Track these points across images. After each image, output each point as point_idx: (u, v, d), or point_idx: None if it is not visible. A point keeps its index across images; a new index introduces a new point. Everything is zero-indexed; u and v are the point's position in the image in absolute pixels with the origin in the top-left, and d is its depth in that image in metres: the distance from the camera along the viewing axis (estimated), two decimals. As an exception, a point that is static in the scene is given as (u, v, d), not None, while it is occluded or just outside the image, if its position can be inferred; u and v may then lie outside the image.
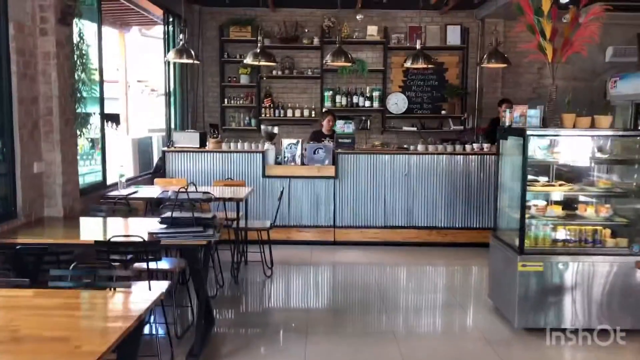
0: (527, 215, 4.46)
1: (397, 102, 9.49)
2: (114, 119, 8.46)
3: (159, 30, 9.73)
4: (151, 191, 5.90)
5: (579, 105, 9.71)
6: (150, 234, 3.73)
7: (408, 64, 7.38)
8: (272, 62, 7.36)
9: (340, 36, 7.41)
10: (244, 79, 9.44)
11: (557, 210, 4.60)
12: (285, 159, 7.28)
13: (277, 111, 9.41)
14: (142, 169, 7.54)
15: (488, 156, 7.16)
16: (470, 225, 7.24)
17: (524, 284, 4.37)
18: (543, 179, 4.91)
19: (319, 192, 7.27)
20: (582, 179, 4.84)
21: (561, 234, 4.55)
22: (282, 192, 6.01)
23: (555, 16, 4.79)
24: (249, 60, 7.32)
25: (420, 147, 7.26)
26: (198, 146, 7.22)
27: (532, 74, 9.56)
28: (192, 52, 7.14)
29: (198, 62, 7.35)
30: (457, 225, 7.25)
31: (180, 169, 7.21)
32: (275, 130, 7.47)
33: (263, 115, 9.44)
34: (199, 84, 9.51)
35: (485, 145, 7.22)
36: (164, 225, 3.88)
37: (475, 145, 7.21)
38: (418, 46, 7.38)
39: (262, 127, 7.52)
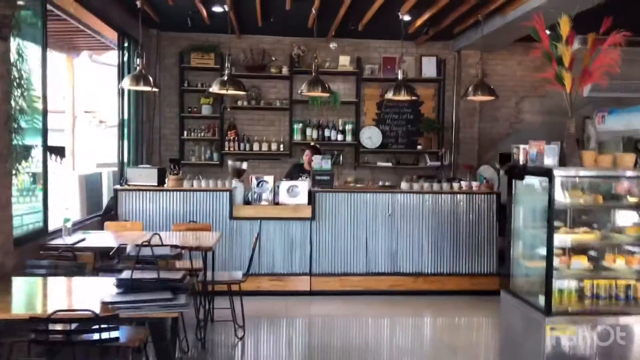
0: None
1: (371, 136, 8.90)
2: (59, 152, 7.51)
3: (110, 56, 8.88)
4: (101, 238, 5.02)
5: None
6: (105, 303, 2.88)
7: (389, 95, 6.80)
8: (241, 91, 6.64)
9: (317, 64, 6.78)
10: (205, 110, 8.67)
11: (583, 262, 4.00)
12: (255, 197, 6.51)
13: (242, 144, 8.65)
14: (90, 210, 6.61)
15: (478, 195, 6.60)
16: (460, 270, 6.60)
17: (554, 352, 3.71)
18: (558, 224, 4.33)
19: (294, 236, 6.50)
20: (606, 225, 4.28)
21: (589, 289, 3.94)
22: (257, 238, 5.21)
23: (572, 42, 4.27)
24: (214, 88, 6.58)
25: (404, 185, 6.63)
26: (156, 184, 6.37)
27: (509, 109, 9.19)
28: (150, 79, 6.37)
29: (157, 89, 6.56)
30: (445, 271, 6.60)
31: (135, 210, 6.32)
32: (244, 165, 6.71)
33: (227, 149, 8.66)
34: (156, 115, 8.67)
35: (475, 184, 6.66)
36: (122, 290, 3.04)
37: (463, 183, 6.63)
38: (400, 76, 6.83)
39: (229, 162, 6.74)
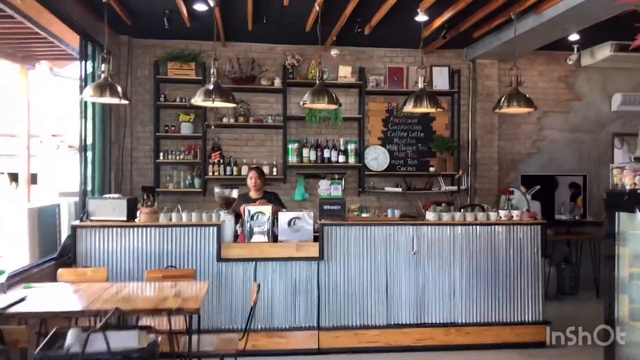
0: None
1: (377, 157, 7.74)
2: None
3: (74, 68, 7.61)
4: (49, 297, 3.73)
5: (587, 162, 8.36)
6: None
7: (408, 108, 5.65)
8: (231, 103, 5.44)
9: (320, 70, 5.62)
10: (185, 128, 7.43)
11: None
12: (249, 234, 5.28)
13: (228, 168, 7.42)
14: (45, 251, 5.30)
15: (520, 226, 5.46)
16: (500, 319, 5.42)
17: None
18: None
19: (297, 280, 5.27)
20: None
21: None
22: (258, 290, 3.95)
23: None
24: (197, 100, 5.38)
25: (430, 215, 5.46)
26: (124, 218, 5.09)
27: (531, 125, 8.14)
28: (119, 88, 5.15)
29: (127, 101, 5.33)
30: (482, 320, 5.41)
31: (98, 252, 5.03)
32: (234, 193, 5.48)
33: (210, 173, 7.41)
34: (127, 135, 7.40)
35: (515, 212, 5.52)
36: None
37: (502, 213, 5.49)
38: (420, 84, 5.69)
39: (216, 190, 5.51)
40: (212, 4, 5.60)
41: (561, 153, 8.16)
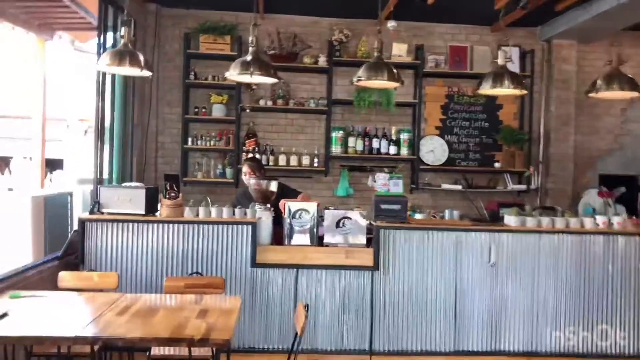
0: None
1: (434, 150, 6.76)
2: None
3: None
4: (40, 309, 2.89)
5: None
6: None
7: (485, 89, 4.64)
8: (272, 77, 4.52)
9: (381, 42, 4.64)
10: (217, 111, 6.56)
11: None
12: (289, 234, 4.38)
13: (264, 157, 6.52)
14: (52, 248, 4.48)
15: (622, 236, 4.43)
16: (596, 350, 4.41)
17: None
18: None
19: (347, 293, 4.35)
20: None
21: None
22: (307, 311, 3.02)
23: None
24: (232, 73, 4.47)
25: (511, 220, 4.47)
26: (142, 212, 4.23)
27: (613, 117, 7.04)
28: (140, 57, 4.29)
29: (149, 73, 4.46)
30: (573, 350, 4.41)
31: (110, 251, 4.19)
32: (273, 186, 4.57)
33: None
34: (151, 117, 6.57)
35: (616, 219, 4.48)
36: None
37: (599, 219, 4.46)
38: (501, 61, 4.68)
39: (251, 181, 4.62)
40: (253, -42, 4.69)
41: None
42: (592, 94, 4.81)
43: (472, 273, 4.39)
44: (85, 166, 8.68)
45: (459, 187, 6.70)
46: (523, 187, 6.71)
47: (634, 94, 4.73)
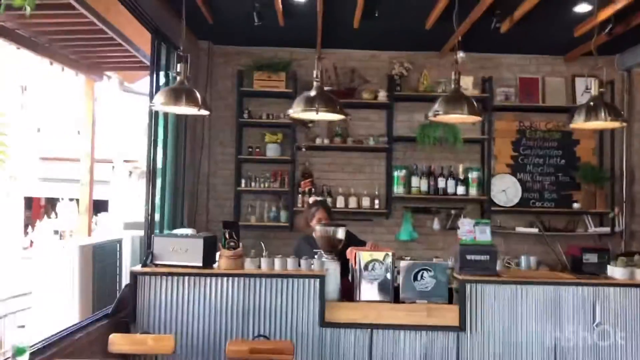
0: None
1: (506, 189, 6.21)
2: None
3: (148, 83, 6.63)
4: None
5: None
6: None
7: (578, 122, 4.11)
8: (340, 114, 4.12)
9: (458, 74, 4.20)
10: (271, 150, 6.21)
11: None
12: (360, 288, 3.88)
13: (310, 198, 6.08)
14: (101, 303, 4.12)
15: None
16: None
17: None
18: None
19: (430, 357, 3.80)
20: None
21: None
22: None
23: None
24: (297, 110, 4.09)
25: (618, 272, 3.87)
26: (200, 264, 3.82)
27: None
28: (197, 95, 3.96)
29: (207, 112, 4.11)
30: None
31: (165, 309, 3.76)
32: (341, 234, 4.12)
33: (299, 204, 6.13)
34: (203, 158, 6.26)
35: None
36: None
37: None
38: (594, 90, 4.15)
39: (318, 227, 4.17)
40: (317, -12, 4.36)
41: None
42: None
43: (573, 335, 3.79)
44: (132, 209, 8.45)
45: (535, 230, 6.11)
46: (606, 229, 6.08)
47: None
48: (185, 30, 4.69)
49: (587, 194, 6.15)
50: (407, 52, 6.34)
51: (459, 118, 4.24)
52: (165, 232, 4.54)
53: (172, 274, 3.78)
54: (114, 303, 3.85)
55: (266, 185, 6.19)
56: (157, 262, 3.86)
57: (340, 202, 6.11)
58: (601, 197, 6.13)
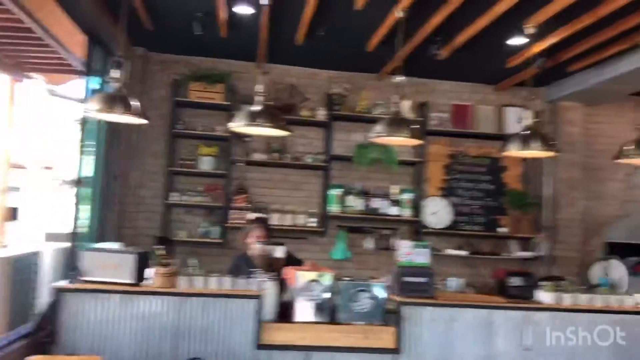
0: None
1: (438, 212, 6.35)
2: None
3: (76, 86, 6.29)
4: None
5: None
6: None
7: (512, 150, 4.28)
8: (283, 130, 4.07)
9: (400, 97, 4.26)
10: (206, 164, 6.04)
11: None
12: (298, 309, 3.81)
13: (248, 214, 5.96)
14: (15, 321, 3.80)
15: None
16: None
17: None
18: None
19: (366, 381, 3.77)
20: None
21: None
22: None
23: None
24: (238, 123, 4.00)
25: (547, 297, 4.01)
26: (132, 281, 3.61)
27: (619, 182, 6.81)
28: (137, 103, 3.80)
29: (146, 120, 3.95)
30: None
31: (92, 329, 3.51)
32: (280, 252, 4.04)
33: (233, 220, 5.98)
34: (132, 168, 6.00)
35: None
36: None
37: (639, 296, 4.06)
38: (530, 120, 4.33)
39: (257, 245, 4.06)
40: (265, 1, 4.29)
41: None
42: (621, 160, 4.50)
43: (504, 357, 3.88)
44: (50, 220, 7.96)
45: (464, 252, 6.27)
46: (530, 254, 6.34)
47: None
48: (122, 35, 4.52)
49: (513, 219, 6.40)
50: (347, 73, 6.40)
51: (401, 141, 4.29)
52: (91, 245, 4.27)
53: (100, 291, 3.55)
54: (36, 321, 3.56)
55: (198, 199, 6.01)
56: (85, 278, 3.61)
57: (275, 219, 6.02)
58: (526, 223, 6.39)
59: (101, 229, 5.18)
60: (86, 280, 3.61)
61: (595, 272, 5.67)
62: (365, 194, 6.20)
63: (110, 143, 5.29)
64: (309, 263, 4.23)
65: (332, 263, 6.09)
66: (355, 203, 6.15)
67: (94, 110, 3.82)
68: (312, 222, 6.11)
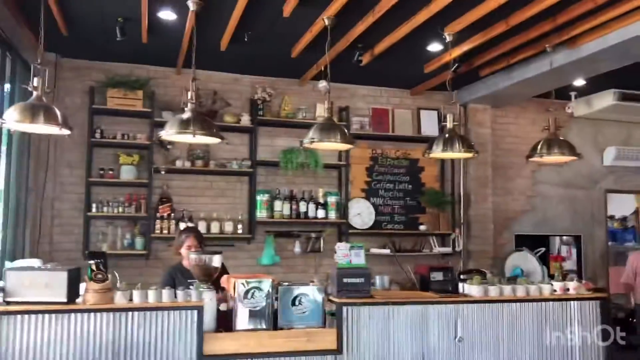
0: None
1: (361, 213, 6.53)
2: None
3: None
4: None
5: (580, 220, 7.58)
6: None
7: (436, 152, 4.52)
8: (217, 138, 4.03)
9: (330, 102, 4.37)
10: (126, 173, 5.84)
11: None
12: (239, 317, 3.79)
13: (181, 224, 5.84)
14: None
15: (576, 302, 4.38)
16: None
17: None
18: None
19: (309, 383, 3.82)
20: None
21: None
22: None
23: None
24: (170, 132, 3.93)
25: (475, 290, 4.24)
26: (64, 300, 3.42)
27: (525, 179, 7.33)
28: (58, 113, 3.65)
29: (68, 132, 3.78)
30: None
31: (20, 353, 3.30)
32: (216, 261, 3.98)
33: (157, 231, 5.83)
34: (47, 180, 5.68)
35: (572, 285, 4.44)
36: None
37: (557, 285, 4.39)
38: (450, 124, 4.59)
39: (192, 255, 3.98)
40: (191, 7, 4.23)
41: (555, 210, 7.38)
42: (534, 159, 4.86)
43: (439, 349, 4.06)
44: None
45: (387, 251, 6.48)
46: (448, 249, 6.67)
47: (573, 158, 4.84)
48: (33, 40, 4.30)
49: (431, 217, 6.71)
50: (269, 78, 6.42)
51: (334, 145, 4.39)
52: (13, 264, 4.01)
53: (29, 312, 3.34)
54: (-46, 350, 3.29)
55: (120, 210, 5.78)
56: (10, 299, 3.38)
57: (202, 227, 5.89)
58: (444, 220, 6.72)
59: (15, 246, 4.88)
60: (10, 301, 3.38)
61: (509, 264, 6.07)
62: (292, 198, 6.24)
63: (21, 153, 4.98)
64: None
65: (260, 269, 6.11)
66: (283, 208, 6.17)
67: (13, 121, 3.60)
68: (240, 229, 6.06)
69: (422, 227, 6.68)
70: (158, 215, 5.88)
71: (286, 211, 6.17)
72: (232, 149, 6.27)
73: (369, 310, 3.97)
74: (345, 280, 4.00)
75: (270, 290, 3.85)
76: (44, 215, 5.61)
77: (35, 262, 3.98)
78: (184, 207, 6.04)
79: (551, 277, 5.02)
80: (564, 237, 7.54)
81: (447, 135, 4.57)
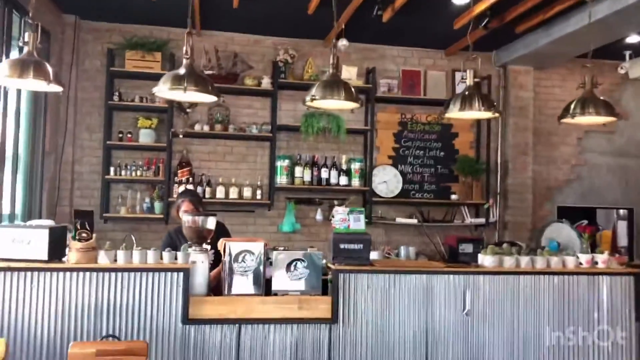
0: None
1: (388, 181, 6.21)
2: None
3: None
4: None
5: (633, 192, 6.94)
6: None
7: (453, 112, 4.12)
8: (211, 95, 3.82)
9: (337, 59, 4.06)
10: (145, 136, 5.77)
11: None
12: (229, 281, 3.62)
13: (199, 189, 5.75)
14: None
15: (607, 277, 3.95)
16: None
17: None
18: None
19: (301, 353, 3.62)
20: None
21: None
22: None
23: None
24: (162, 88, 3.74)
25: (488, 261, 3.89)
26: (45, 258, 3.36)
27: (570, 147, 6.76)
28: (48, 68, 3.53)
29: (60, 88, 3.68)
30: (559, 410, 3.85)
31: (5, 308, 3.29)
32: (210, 223, 3.82)
33: (176, 195, 5.75)
34: (66, 144, 5.70)
35: (600, 257, 3.99)
36: None
37: (583, 257, 3.96)
38: (469, 81, 4.19)
39: (184, 217, 3.85)
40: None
41: (604, 181, 6.78)
42: (566, 120, 4.38)
43: (445, 322, 3.76)
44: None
45: (415, 221, 6.16)
46: (481, 220, 6.26)
47: (610, 119, 4.33)
48: (48, 2, 4.23)
49: (464, 186, 6.30)
50: (292, 39, 6.16)
51: (336, 104, 4.10)
52: (18, 223, 4.02)
53: (10, 269, 3.30)
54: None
55: (139, 174, 5.74)
56: (-6, 256, 3.36)
57: (220, 193, 5.81)
58: (477, 189, 6.30)
59: (29, 208, 4.92)
60: (-5, 257, 3.36)
61: (546, 236, 5.61)
62: (313, 164, 6.01)
63: (35, 115, 4.99)
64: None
65: (281, 236, 5.96)
66: (304, 174, 5.96)
67: (3, 76, 3.53)
68: (259, 195, 5.90)
69: (453, 197, 6.29)
70: (177, 179, 5.81)
71: (307, 177, 5.95)
72: (252, 113, 6.09)
73: (368, 279, 3.72)
74: (342, 246, 3.75)
75: (262, 254, 3.67)
76: (64, 178, 5.63)
77: (48, 222, 3.93)
78: (203, 171, 5.93)
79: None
80: (615, 210, 6.92)
81: (466, 92, 4.16)
